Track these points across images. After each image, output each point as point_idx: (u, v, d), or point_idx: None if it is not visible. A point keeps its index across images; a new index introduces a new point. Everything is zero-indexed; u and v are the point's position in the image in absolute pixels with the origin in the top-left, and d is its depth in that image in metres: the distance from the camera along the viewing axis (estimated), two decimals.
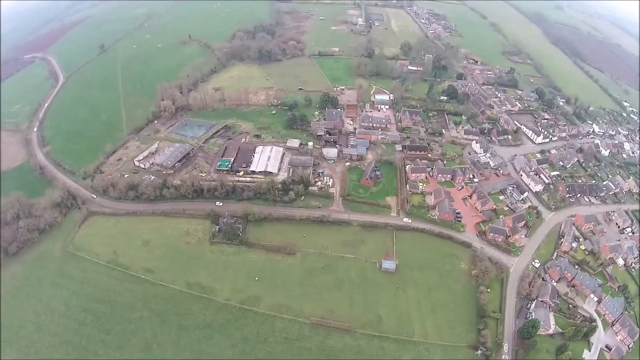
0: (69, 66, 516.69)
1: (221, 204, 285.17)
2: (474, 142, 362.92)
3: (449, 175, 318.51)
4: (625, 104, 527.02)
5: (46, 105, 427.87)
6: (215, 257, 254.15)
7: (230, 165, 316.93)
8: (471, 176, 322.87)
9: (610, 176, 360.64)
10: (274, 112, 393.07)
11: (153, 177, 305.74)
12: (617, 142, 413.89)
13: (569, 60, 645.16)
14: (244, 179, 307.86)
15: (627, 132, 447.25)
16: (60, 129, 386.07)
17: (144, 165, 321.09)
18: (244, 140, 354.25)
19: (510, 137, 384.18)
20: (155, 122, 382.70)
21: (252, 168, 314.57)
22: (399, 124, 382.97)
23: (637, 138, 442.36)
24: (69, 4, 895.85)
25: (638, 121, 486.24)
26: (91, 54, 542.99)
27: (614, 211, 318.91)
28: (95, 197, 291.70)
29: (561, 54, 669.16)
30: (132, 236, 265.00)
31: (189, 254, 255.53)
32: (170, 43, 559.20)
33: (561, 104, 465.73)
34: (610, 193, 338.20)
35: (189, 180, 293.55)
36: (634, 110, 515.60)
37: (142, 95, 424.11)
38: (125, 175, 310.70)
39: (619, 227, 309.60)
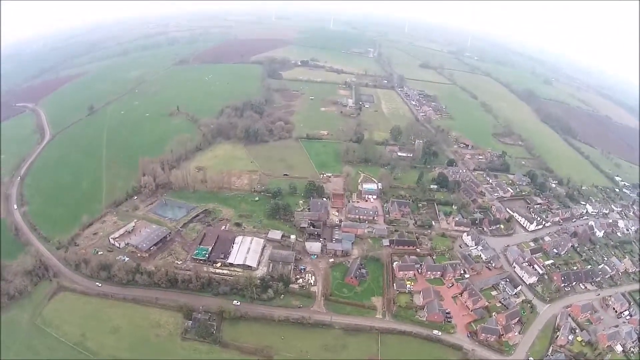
0: (57, 123, 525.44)
1: (239, 303, 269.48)
2: (464, 234, 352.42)
3: (438, 272, 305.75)
4: (617, 178, 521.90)
5: (30, 161, 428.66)
6: (186, 354, 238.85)
7: (207, 255, 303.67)
8: (462, 272, 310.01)
9: (606, 258, 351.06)
10: (257, 198, 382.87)
11: (127, 259, 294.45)
12: (611, 221, 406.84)
13: (560, 138, 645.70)
14: (221, 270, 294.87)
15: (620, 209, 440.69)
16: (41, 189, 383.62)
17: (119, 244, 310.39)
18: (223, 227, 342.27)
19: (502, 226, 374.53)
20: (135, 197, 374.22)
21: (230, 260, 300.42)
22: (387, 215, 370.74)
23: (631, 213, 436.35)
24: (66, 56, 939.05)
25: (632, 196, 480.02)
26: (80, 114, 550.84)
27: (610, 296, 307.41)
28: (100, 285, 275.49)
29: (551, 132, 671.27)
30: (101, 320, 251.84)
31: (159, 347, 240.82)
32: (158, 113, 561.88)
33: (553, 186, 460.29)
34: (606, 277, 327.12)
35: (163, 267, 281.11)
36: (627, 184, 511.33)
37: (124, 165, 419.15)
38: (100, 253, 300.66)
39: (616, 311, 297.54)
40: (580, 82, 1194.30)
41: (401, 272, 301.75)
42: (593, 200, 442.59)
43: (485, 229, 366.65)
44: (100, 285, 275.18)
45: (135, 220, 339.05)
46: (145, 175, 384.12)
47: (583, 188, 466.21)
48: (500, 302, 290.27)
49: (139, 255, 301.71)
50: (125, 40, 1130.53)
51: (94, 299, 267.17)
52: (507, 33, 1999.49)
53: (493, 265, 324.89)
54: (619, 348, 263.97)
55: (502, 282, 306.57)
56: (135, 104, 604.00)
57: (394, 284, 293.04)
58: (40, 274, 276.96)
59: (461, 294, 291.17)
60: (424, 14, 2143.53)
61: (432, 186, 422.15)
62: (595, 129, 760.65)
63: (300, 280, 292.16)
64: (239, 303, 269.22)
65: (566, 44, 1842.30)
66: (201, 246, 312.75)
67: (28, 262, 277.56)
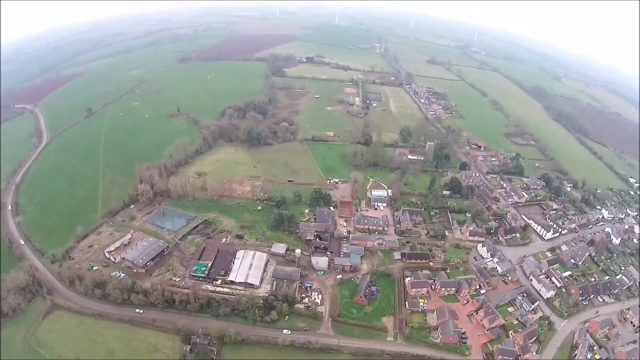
0: (55, 126, 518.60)
1: (289, 332, 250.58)
2: (480, 244, 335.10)
3: (453, 288, 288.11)
4: (631, 180, 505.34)
5: (26, 167, 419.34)
6: None
7: (207, 271, 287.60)
8: (477, 287, 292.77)
9: (623, 268, 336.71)
10: (259, 208, 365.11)
11: (123, 275, 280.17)
12: (627, 226, 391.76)
13: (572, 137, 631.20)
14: (221, 289, 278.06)
15: (636, 213, 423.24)
16: (36, 197, 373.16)
17: (115, 258, 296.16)
18: (224, 240, 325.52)
19: (518, 235, 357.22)
20: (132, 206, 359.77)
21: (231, 277, 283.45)
22: (398, 225, 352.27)
23: None
24: (68, 55, 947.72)
25: None
26: (78, 116, 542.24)
27: (628, 309, 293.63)
28: (140, 311, 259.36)
29: (564, 130, 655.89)
30: (96, 342, 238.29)
31: None
32: (158, 114, 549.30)
33: (568, 189, 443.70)
34: (624, 288, 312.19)
35: (159, 286, 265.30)
36: None
37: (121, 171, 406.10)
38: (95, 267, 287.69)
39: (634, 325, 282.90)
40: (589, 78, 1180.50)
41: (414, 289, 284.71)
42: (609, 205, 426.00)
43: (500, 238, 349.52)
44: (141, 311, 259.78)
45: (131, 232, 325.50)
46: (142, 182, 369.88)
47: (598, 191, 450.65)
48: (517, 319, 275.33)
49: (135, 270, 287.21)
50: (128, 37, 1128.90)
51: (89, 319, 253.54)
52: (510, 29, 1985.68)
53: (509, 278, 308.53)
54: None
55: (519, 297, 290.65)
56: (135, 104, 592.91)
57: (406, 303, 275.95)
58: (34, 291, 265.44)
59: (477, 311, 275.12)
60: (428, 10, 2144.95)
61: (444, 192, 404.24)
62: (607, 126, 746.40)
63: (306, 299, 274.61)
64: (289, 332, 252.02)
65: (572, 40, 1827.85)
66: (200, 261, 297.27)
67: (22, 277, 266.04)
